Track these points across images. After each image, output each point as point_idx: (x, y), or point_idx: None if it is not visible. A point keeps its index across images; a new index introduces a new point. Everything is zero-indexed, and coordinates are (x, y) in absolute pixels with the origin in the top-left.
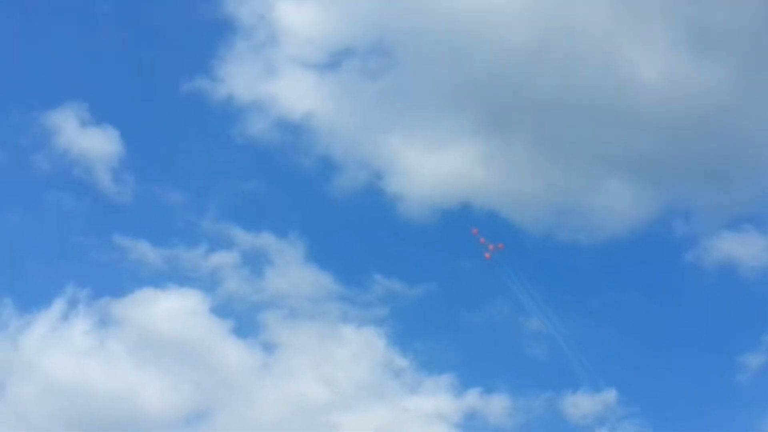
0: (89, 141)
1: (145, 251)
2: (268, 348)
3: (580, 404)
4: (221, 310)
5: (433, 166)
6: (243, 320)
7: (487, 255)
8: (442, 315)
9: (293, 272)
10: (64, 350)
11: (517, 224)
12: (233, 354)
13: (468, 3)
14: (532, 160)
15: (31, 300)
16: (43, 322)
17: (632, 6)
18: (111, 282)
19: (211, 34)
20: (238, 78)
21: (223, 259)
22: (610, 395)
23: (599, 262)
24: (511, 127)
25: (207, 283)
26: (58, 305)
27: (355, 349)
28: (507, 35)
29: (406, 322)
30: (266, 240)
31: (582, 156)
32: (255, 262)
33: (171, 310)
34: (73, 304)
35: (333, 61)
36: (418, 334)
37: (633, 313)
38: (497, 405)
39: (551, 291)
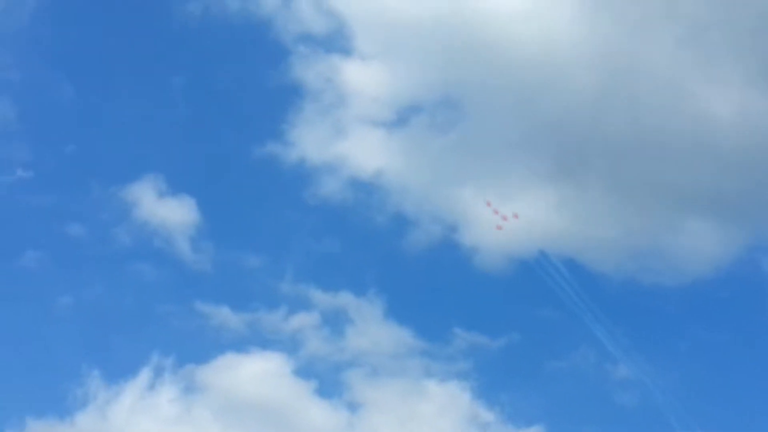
0: (167, 211)
1: (226, 316)
2: (353, 407)
3: None
4: (304, 371)
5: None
6: (326, 380)
7: (498, 227)
8: (527, 366)
9: (373, 330)
10: (152, 419)
11: (596, 270)
12: (318, 414)
13: (532, 52)
14: (608, 203)
15: (119, 370)
16: (131, 392)
17: (699, 44)
18: (195, 349)
19: (281, 100)
20: (309, 141)
21: (303, 320)
22: None
23: (685, 303)
24: (583, 172)
25: (289, 345)
26: (144, 374)
27: (440, 404)
28: (573, 80)
29: (490, 374)
30: (345, 299)
31: (659, 197)
32: (335, 322)
33: (255, 374)
34: (158, 372)
35: (401, 118)
36: (503, 386)
37: (724, 354)
38: None
39: (637, 336)
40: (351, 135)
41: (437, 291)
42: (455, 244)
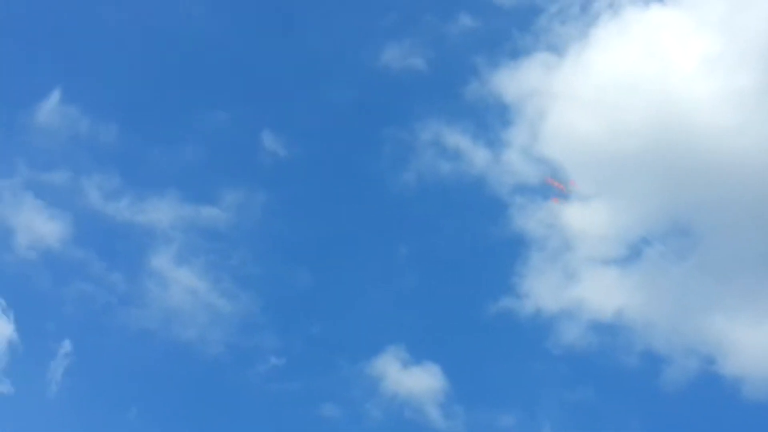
0: (413, 380)
1: None
2: None
3: None
4: None
5: None
6: None
7: (555, 200)
8: None
9: None
10: None
11: None
12: None
13: (756, 163)
14: None
15: None
16: None
17: None
18: None
19: (506, 253)
20: (542, 289)
21: None
22: None
23: None
24: None
25: None
26: None
27: None
28: None
29: None
30: None
31: None
32: None
33: None
34: None
35: (632, 253)
36: None
37: None
38: None
39: None
40: (583, 278)
41: (703, 428)
42: (716, 376)
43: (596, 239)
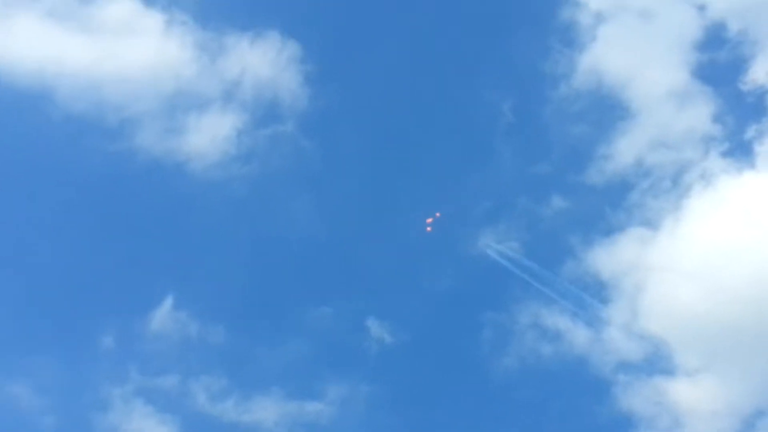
0: None
1: None
2: None
3: None
4: None
5: None
6: None
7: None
8: None
9: None
10: None
11: None
12: None
13: None
14: None
15: None
16: None
17: None
18: None
19: None
20: None
21: None
22: None
23: None
24: None
25: None
26: None
27: None
28: None
29: None
30: None
31: None
32: None
33: None
34: None
35: (746, 428)
36: None
37: None
38: None
39: None
40: None
41: None
42: None
43: (707, 414)
